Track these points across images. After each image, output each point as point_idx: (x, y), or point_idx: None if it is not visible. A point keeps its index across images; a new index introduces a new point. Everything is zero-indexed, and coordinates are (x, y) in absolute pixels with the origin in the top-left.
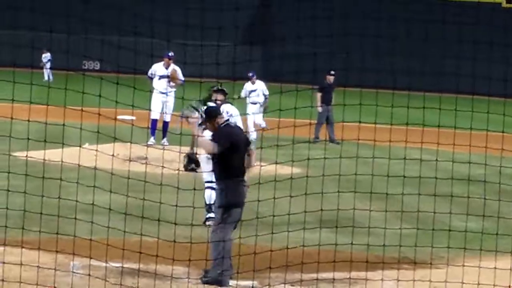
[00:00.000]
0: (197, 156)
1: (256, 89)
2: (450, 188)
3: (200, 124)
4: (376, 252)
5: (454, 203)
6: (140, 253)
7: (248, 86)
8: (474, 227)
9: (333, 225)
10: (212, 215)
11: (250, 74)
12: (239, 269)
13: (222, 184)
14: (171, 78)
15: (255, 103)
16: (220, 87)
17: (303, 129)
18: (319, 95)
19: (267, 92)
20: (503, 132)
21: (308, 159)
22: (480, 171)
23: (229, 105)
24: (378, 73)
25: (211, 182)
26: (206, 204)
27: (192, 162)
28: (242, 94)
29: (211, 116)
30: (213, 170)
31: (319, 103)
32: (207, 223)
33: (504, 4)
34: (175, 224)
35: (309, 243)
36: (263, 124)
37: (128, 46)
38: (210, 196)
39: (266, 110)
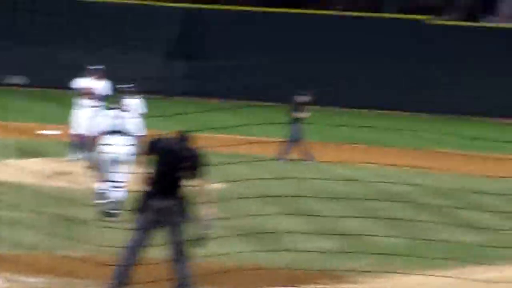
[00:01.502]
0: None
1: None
2: (375, 204)
3: None
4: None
5: (379, 220)
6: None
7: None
8: (398, 244)
9: (257, 241)
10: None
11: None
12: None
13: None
14: (86, 94)
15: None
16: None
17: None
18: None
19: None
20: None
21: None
22: (403, 188)
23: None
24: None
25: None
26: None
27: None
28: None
29: None
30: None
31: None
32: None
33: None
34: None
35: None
36: None
37: (53, 59)
38: (116, 195)
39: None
